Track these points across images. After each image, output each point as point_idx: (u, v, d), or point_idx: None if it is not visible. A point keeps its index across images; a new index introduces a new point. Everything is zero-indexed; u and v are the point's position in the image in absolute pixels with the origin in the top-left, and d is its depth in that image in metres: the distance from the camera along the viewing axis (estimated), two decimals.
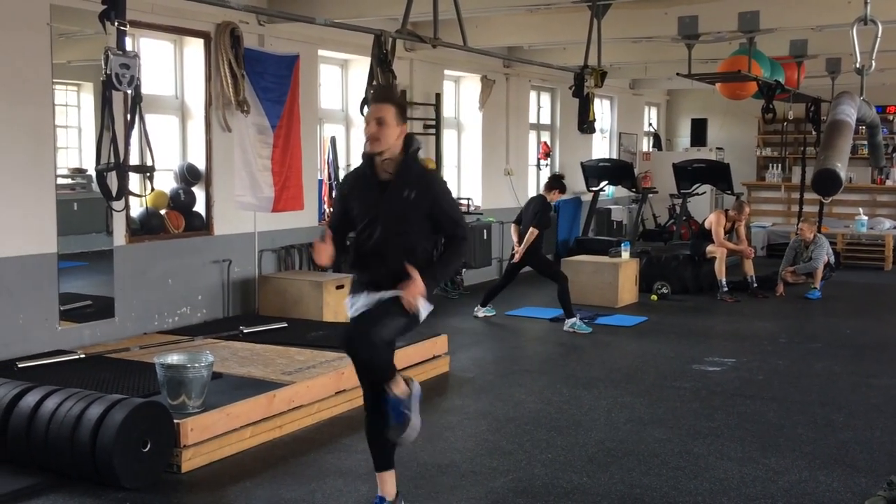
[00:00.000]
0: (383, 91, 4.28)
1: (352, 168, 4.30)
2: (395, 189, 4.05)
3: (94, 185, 6.04)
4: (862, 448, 5.42)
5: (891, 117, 16.20)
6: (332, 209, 4.32)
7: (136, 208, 7.73)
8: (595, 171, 14.09)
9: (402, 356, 6.69)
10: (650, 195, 14.81)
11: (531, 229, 9.07)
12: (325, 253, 4.12)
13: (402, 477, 4.86)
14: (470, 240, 4.10)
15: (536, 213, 9.16)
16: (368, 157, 4.13)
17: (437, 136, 11.00)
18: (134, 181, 6.56)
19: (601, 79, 8.62)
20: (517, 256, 9.24)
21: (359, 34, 7.60)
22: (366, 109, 7.12)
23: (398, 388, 4.06)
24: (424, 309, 4.06)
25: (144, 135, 5.39)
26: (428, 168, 4.41)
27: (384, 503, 4.31)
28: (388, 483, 4.32)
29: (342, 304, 8.35)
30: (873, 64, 4.08)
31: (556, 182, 9.38)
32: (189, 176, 8.19)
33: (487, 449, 5.37)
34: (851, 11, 7.27)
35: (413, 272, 3.92)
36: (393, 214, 4.05)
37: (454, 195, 4.23)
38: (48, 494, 4.54)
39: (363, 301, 4.11)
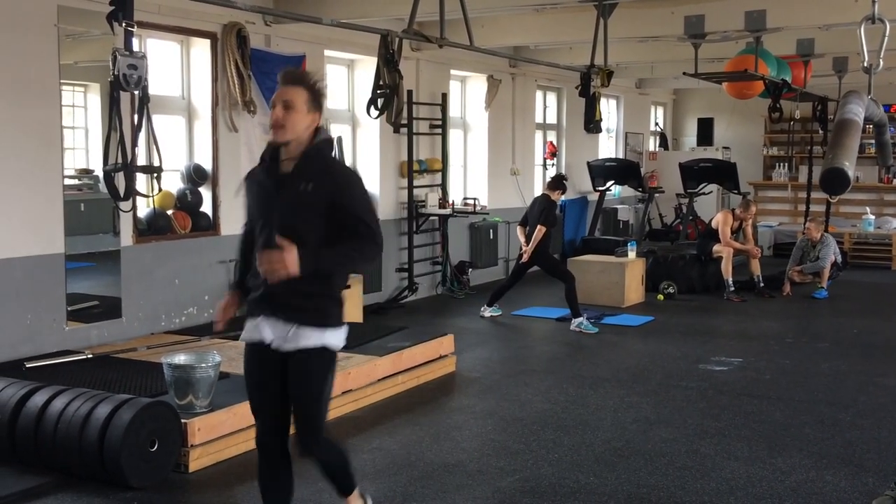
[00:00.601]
0: (294, 72, 3.59)
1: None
2: (291, 183, 3.46)
3: (102, 186, 6.05)
4: (869, 447, 5.41)
5: None
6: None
7: (144, 209, 7.74)
8: (601, 171, 14.09)
9: (409, 357, 6.72)
10: (656, 195, 14.80)
11: (538, 227, 9.08)
12: (222, 312, 3.66)
13: (408, 476, 4.87)
14: (381, 248, 3.54)
15: (542, 211, 9.17)
16: (272, 150, 3.56)
17: (443, 136, 11.01)
18: (141, 182, 6.57)
19: (607, 78, 8.62)
20: (525, 256, 9.24)
21: (365, 34, 7.61)
22: (373, 111, 7.22)
23: None
24: (338, 340, 3.55)
25: (152, 135, 5.40)
26: (338, 161, 3.73)
27: None
28: None
29: (349, 303, 8.42)
30: (881, 63, 4.07)
31: (558, 183, 9.41)
32: (196, 176, 8.21)
33: (494, 448, 5.38)
34: (858, 10, 7.22)
35: (286, 244, 3.29)
36: (286, 212, 3.45)
37: (369, 196, 3.46)
38: (56, 494, 4.56)
39: (269, 332, 3.51)
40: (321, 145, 3.56)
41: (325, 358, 3.53)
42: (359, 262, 3.56)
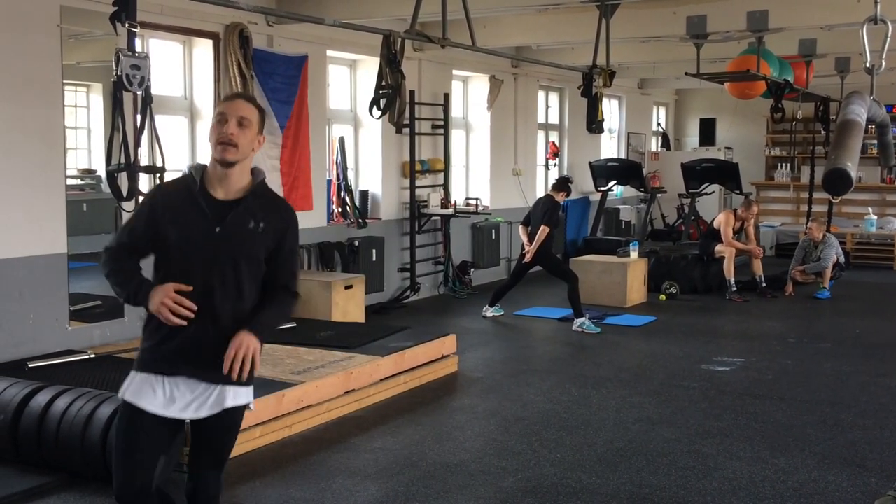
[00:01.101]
0: (242, 92, 3.32)
1: (174, 180, 3.24)
2: (239, 216, 3.06)
3: (104, 186, 6.06)
4: (872, 448, 5.40)
5: None
6: (123, 230, 3.19)
7: None
8: (603, 171, 14.08)
9: (411, 357, 6.73)
10: (658, 195, 14.79)
11: (542, 227, 9.09)
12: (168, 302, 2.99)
13: (411, 476, 4.88)
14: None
15: (546, 211, 9.18)
16: (202, 169, 3.13)
17: (446, 136, 11.01)
18: (144, 182, 6.58)
19: (610, 78, 8.62)
20: (528, 256, 9.25)
21: (367, 34, 7.61)
22: (375, 111, 7.22)
23: None
24: (247, 398, 3.23)
25: (154, 135, 5.41)
26: (281, 198, 3.36)
27: None
28: None
29: (351, 304, 8.47)
30: (883, 63, 4.07)
31: (563, 185, 9.42)
32: None
33: (496, 448, 5.38)
34: (861, 11, 7.25)
35: (248, 337, 3.03)
36: (232, 250, 3.05)
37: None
38: (59, 493, 4.56)
39: (185, 397, 3.08)
40: (264, 178, 3.20)
41: (241, 415, 3.26)
42: (283, 321, 3.37)
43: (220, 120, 3.06)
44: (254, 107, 3.15)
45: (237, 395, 3.16)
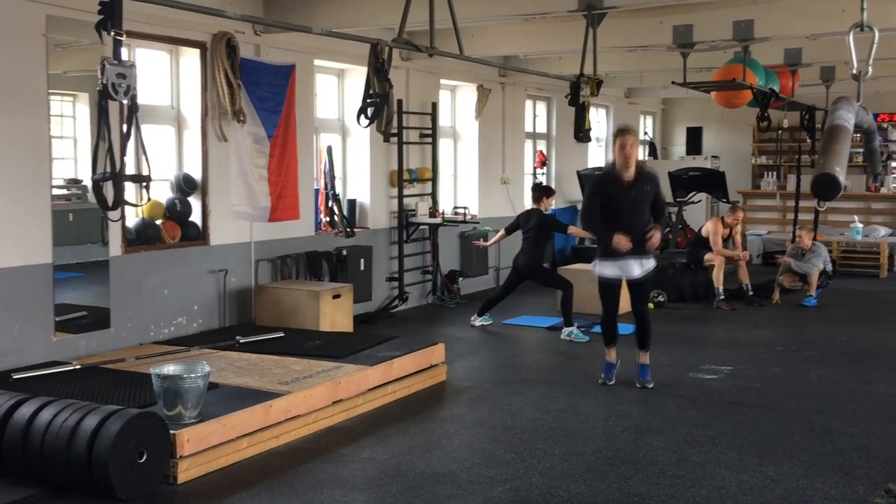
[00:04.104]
0: None
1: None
2: None
3: (90, 196, 6.02)
4: (859, 455, 5.41)
5: (885, 125, 16.25)
6: None
7: (132, 218, 7.72)
8: (591, 180, 14.07)
9: (399, 366, 6.71)
10: None
11: (569, 227, 9.70)
12: None
13: (399, 486, 4.86)
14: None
15: (543, 222, 9.25)
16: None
17: (434, 145, 11.01)
18: (130, 191, 6.55)
19: (597, 88, 8.63)
20: (483, 244, 10.18)
21: (355, 43, 7.61)
22: (363, 120, 7.21)
23: None
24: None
25: (140, 145, 5.38)
26: None
27: None
28: None
29: (339, 313, 8.44)
30: (870, 70, 4.09)
31: (541, 191, 9.48)
32: (185, 186, 8.18)
33: (485, 458, 5.36)
34: (845, 20, 7.28)
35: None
36: None
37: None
38: None
39: None
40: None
41: None
42: None
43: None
44: None
45: None
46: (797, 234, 11.72)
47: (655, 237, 6.63)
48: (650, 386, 6.97)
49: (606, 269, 6.90)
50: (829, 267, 11.47)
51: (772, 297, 11.25)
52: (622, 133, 6.77)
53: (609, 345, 7.15)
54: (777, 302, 11.19)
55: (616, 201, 6.77)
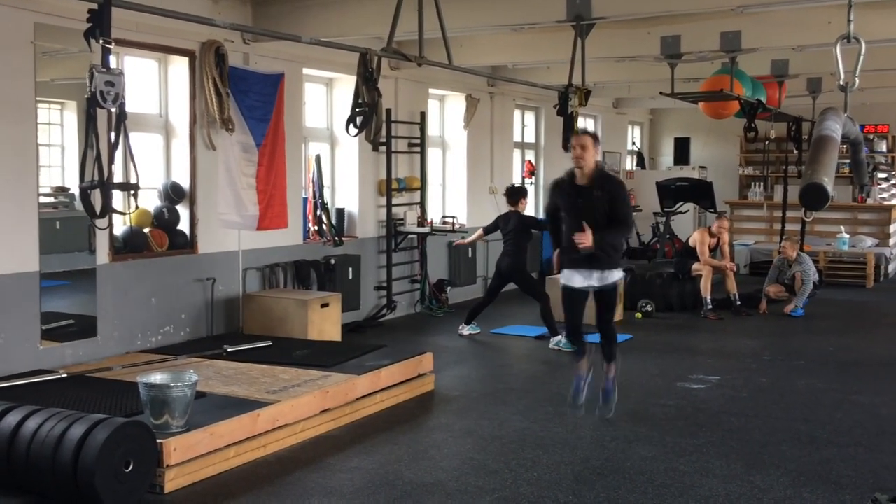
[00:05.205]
0: None
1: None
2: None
3: (77, 204, 6.00)
4: (846, 464, 5.43)
5: (871, 136, 16.36)
6: None
7: (120, 227, 7.69)
8: None
9: (387, 375, 6.70)
10: (634, 213, 14.84)
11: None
12: None
13: (387, 496, 4.84)
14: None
15: (523, 225, 9.28)
16: None
17: (422, 154, 11.02)
18: (118, 199, 6.53)
19: (585, 98, 8.66)
20: (462, 243, 10.20)
21: (344, 52, 7.62)
22: (352, 129, 7.21)
23: None
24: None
25: (129, 153, 5.37)
26: None
27: None
28: None
29: (327, 322, 8.42)
30: (857, 81, 4.12)
31: (516, 193, 9.52)
32: (173, 194, 8.16)
33: (473, 467, 5.36)
34: (832, 32, 7.36)
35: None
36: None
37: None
38: None
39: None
40: None
41: None
42: None
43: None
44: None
45: None
46: (781, 246, 11.78)
47: (584, 239, 6.02)
48: (609, 415, 6.37)
49: (566, 276, 6.43)
50: (816, 277, 11.53)
51: (759, 307, 11.29)
52: (575, 133, 6.58)
53: (578, 355, 6.68)
54: (764, 311, 11.23)
55: (567, 207, 6.38)
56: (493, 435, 6.03)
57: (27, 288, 6.74)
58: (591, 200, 6.20)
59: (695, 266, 11.15)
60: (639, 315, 10.90)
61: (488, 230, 9.70)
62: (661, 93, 10.17)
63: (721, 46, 8.83)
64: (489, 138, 12.71)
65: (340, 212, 10.25)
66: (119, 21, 5.28)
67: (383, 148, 9.89)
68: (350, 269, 9.76)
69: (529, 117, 14.46)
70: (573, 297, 6.50)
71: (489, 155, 12.76)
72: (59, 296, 7.29)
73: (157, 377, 5.26)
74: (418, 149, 10.98)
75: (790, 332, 10.16)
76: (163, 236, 7.98)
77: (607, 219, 6.19)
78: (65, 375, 6.42)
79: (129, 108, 5.30)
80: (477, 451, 5.70)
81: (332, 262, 9.55)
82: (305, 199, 9.63)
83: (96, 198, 5.23)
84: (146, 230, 7.93)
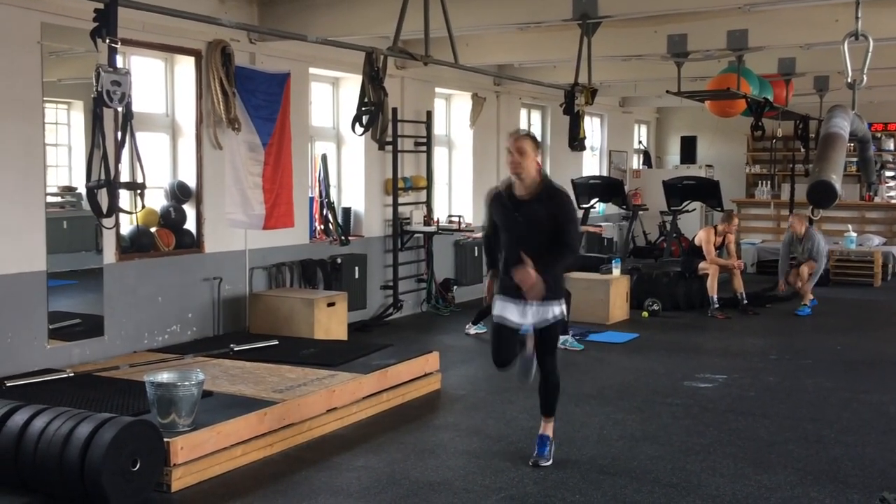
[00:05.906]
0: None
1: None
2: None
3: (84, 203, 6.02)
4: (854, 464, 5.42)
5: (879, 135, 16.31)
6: None
7: (127, 226, 7.71)
8: (586, 189, 14.11)
9: (394, 374, 6.70)
10: (640, 212, 14.84)
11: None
12: None
13: (393, 495, 4.84)
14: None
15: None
16: None
17: (428, 153, 11.03)
18: (124, 198, 6.54)
19: (591, 96, 8.65)
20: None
21: (350, 52, 7.60)
22: (358, 128, 7.21)
23: None
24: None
25: (135, 152, 5.38)
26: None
27: None
28: None
29: (333, 321, 8.43)
30: (864, 78, 4.11)
31: None
32: (180, 193, 8.18)
33: (480, 466, 5.35)
34: (839, 30, 7.29)
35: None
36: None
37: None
38: None
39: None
40: None
41: None
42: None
43: None
44: None
45: None
46: (790, 222, 11.73)
47: (526, 277, 4.88)
48: (545, 464, 5.27)
49: (499, 307, 5.21)
50: (825, 260, 11.60)
51: (779, 286, 11.51)
52: (511, 134, 5.31)
53: (522, 376, 5.39)
54: (782, 289, 11.44)
55: (504, 224, 5.27)
56: (499, 434, 6.02)
57: (34, 287, 6.76)
58: (531, 217, 5.16)
59: (701, 265, 11.12)
60: (645, 314, 10.89)
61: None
62: (667, 91, 10.14)
63: (728, 45, 8.81)
64: (495, 137, 12.70)
65: (347, 211, 10.25)
66: (125, 21, 5.28)
67: (389, 147, 9.87)
68: (356, 269, 9.77)
69: (536, 116, 14.44)
70: (502, 335, 5.28)
71: (495, 154, 12.74)
72: (66, 295, 7.30)
73: (163, 376, 5.27)
74: (424, 148, 10.98)
75: (797, 331, 10.13)
76: (169, 236, 7.99)
77: (550, 239, 5.13)
78: (72, 374, 6.43)
79: (135, 108, 5.30)
80: (483, 449, 5.70)
81: (339, 261, 9.55)
82: (312, 199, 9.64)
83: (103, 197, 5.24)
84: (153, 229, 7.94)
